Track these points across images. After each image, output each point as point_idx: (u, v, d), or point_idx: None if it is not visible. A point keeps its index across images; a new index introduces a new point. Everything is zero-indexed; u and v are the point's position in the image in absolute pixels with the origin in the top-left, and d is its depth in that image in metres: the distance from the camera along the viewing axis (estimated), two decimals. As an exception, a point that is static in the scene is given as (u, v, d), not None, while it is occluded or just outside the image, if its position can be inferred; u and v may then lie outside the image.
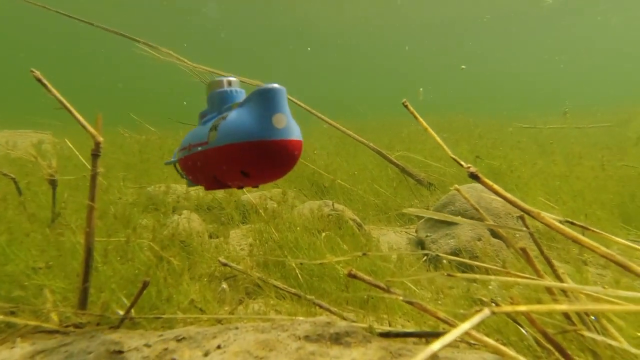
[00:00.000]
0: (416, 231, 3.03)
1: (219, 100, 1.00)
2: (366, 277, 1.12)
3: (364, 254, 1.54)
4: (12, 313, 1.18)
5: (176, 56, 5.08)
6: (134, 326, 1.22)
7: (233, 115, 0.87)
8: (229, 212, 3.08)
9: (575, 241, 1.01)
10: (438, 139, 1.18)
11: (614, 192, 3.61)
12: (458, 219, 1.04)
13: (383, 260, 1.91)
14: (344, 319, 1.34)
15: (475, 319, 0.68)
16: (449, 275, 1.00)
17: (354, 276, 1.12)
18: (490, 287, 1.73)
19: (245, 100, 0.87)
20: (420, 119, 1.24)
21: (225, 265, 1.88)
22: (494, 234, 2.47)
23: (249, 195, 2.98)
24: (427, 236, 2.73)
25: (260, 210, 2.34)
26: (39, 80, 1.25)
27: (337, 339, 1.08)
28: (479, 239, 2.39)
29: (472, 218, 2.56)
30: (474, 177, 1.19)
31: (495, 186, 1.16)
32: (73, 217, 2.00)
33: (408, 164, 4.79)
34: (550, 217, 1.06)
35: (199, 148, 0.95)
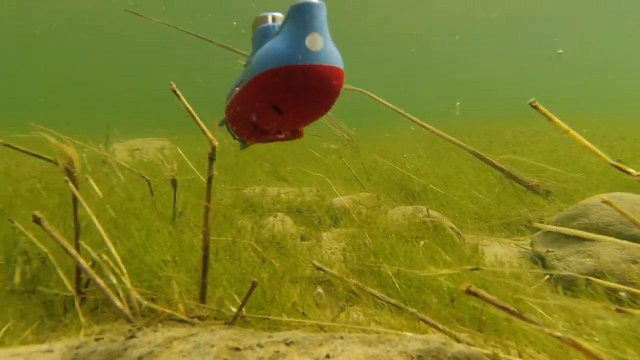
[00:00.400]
0: (531, 245, 2.65)
1: (261, 37, 0.86)
2: (490, 297, 0.97)
3: (476, 269, 1.37)
4: (152, 300, 1.35)
5: None
6: (245, 324, 1.29)
7: (267, 45, 0.76)
8: (320, 215, 3.12)
9: None
10: (585, 141, 0.97)
11: None
12: (627, 243, 0.83)
13: (495, 276, 1.69)
14: (458, 340, 1.20)
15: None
16: (618, 310, 0.80)
17: (474, 294, 0.99)
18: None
19: (281, 25, 0.75)
20: (557, 120, 1.05)
21: (320, 269, 1.88)
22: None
23: (340, 198, 2.97)
24: (548, 252, 2.35)
25: (353, 215, 2.30)
26: (174, 92, 1.41)
27: (456, 364, 0.96)
28: (634, 262, 1.94)
29: (619, 234, 2.11)
30: None
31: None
32: (189, 216, 2.23)
33: (515, 168, 4.26)
34: None
35: (237, 89, 0.86)
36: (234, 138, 1.04)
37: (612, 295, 1.59)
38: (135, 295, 1.27)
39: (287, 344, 1.10)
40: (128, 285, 1.31)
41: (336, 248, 2.71)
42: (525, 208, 4.01)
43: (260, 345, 1.08)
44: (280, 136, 0.90)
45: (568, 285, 1.94)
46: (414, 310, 1.51)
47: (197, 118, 1.41)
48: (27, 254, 1.85)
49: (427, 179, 4.53)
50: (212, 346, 1.05)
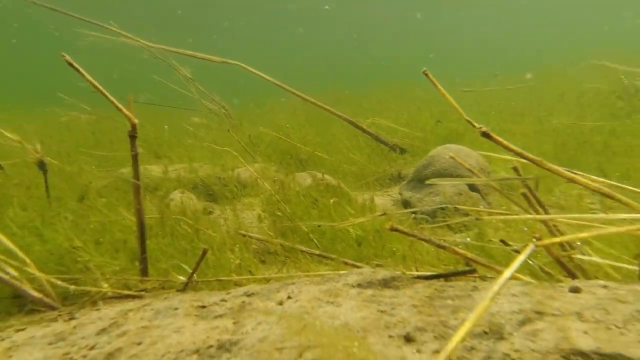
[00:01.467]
0: (400, 193, 3.29)
1: None
2: (406, 230, 1.29)
3: (384, 214, 1.71)
4: (75, 283, 1.19)
5: (130, 36, 4.72)
6: (196, 289, 1.30)
7: None
8: (221, 187, 3.09)
9: (572, 180, 1.26)
10: (453, 102, 1.36)
11: (550, 142, 4.23)
12: (494, 180, 1.24)
13: (388, 220, 2.11)
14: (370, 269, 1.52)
15: (527, 252, 0.89)
16: (477, 219, 1.20)
17: (396, 229, 1.29)
18: (469, 231, 2.02)
19: None
20: (440, 87, 1.40)
21: (247, 236, 1.96)
22: (472, 188, 2.80)
23: (249, 168, 3.00)
24: (411, 196, 3.00)
25: (266, 183, 2.41)
26: (71, 64, 1.19)
27: (385, 284, 1.25)
28: (460, 194, 2.69)
29: (450, 176, 2.86)
30: (486, 135, 1.39)
31: (504, 141, 1.37)
32: (92, 199, 1.92)
33: (378, 130, 5.05)
34: (550, 165, 1.30)
35: None
36: None
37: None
38: (52, 281, 1.11)
39: (248, 295, 1.20)
40: (38, 274, 1.13)
41: (244, 217, 2.77)
42: (388, 165, 4.83)
43: (224, 300, 1.15)
44: None
45: (428, 218, 2.58)
46: (335, 256, 1.78)
47: (108, 94, 1.26)
48: None
49: (311, 147, 4.90)
50: (176, 309, 1.07)
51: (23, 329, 0.96)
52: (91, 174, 3.76)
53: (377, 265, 1.80)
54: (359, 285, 1.27)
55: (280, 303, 1.15)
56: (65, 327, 0.92)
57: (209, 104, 7.09)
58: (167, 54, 6.15)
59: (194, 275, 1.24)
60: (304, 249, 1.84)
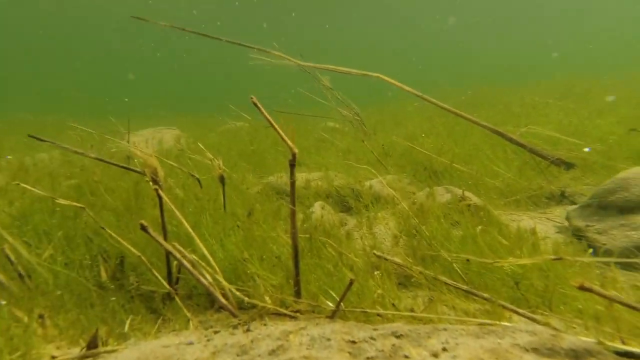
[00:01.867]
0: (567, 219, 2.71)
1: None
2: (608, 294, 1.02)
3: (559, 259, 1.42)
4: (247, 295, 1.40)
5: (287, 57, 5.33)
6: (343, 317, 1.34)
7: None
8: (355, 199, 3.16)
9: None
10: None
11: None
12: None
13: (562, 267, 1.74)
14: (554, 328, 1.26)
15: None
16: None
17: (589, 290, 1.03)
18: None
19: None
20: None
21: (383, 259, 1.93)
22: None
23: (381, 181, 2.99)
24: (587, 226, 2.42)
25: (404, 203, 2.33)
26: (255, 105, 1.40)
27: (576, 357, 1.01)
28: None
29: None
30: None
31: None
32: (258, 215, 2.26)
33: (533, 140, 4.31)
34: None
35: None
36: None
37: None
38: (234, 291, 1.32)
39: (397, 337, 1.15)
40: (224, 283, 1.36)
41: (376, 231, 2.75)
42: (545, 181, 4.05)
43: (372, 338, 1.13)
44: None
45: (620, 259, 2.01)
46: (489, 296, 1.57)
47: (277, 128, 1.41)
48: (103, 254, 1.89)
49: (447, 158, 4.56)
50: (329, 339, 1.11)
51: (218, 332, 1.16)
52: (250, 182, 4.40)
53: (544, 315, 1.50)
54: (535, 351, 1.06)
55: (435, 355, 1.06)
56: (246, 340, 1.07)
57: (343, 110, 7.45)
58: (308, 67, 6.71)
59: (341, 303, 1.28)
60: (448, 281, 1.69)
